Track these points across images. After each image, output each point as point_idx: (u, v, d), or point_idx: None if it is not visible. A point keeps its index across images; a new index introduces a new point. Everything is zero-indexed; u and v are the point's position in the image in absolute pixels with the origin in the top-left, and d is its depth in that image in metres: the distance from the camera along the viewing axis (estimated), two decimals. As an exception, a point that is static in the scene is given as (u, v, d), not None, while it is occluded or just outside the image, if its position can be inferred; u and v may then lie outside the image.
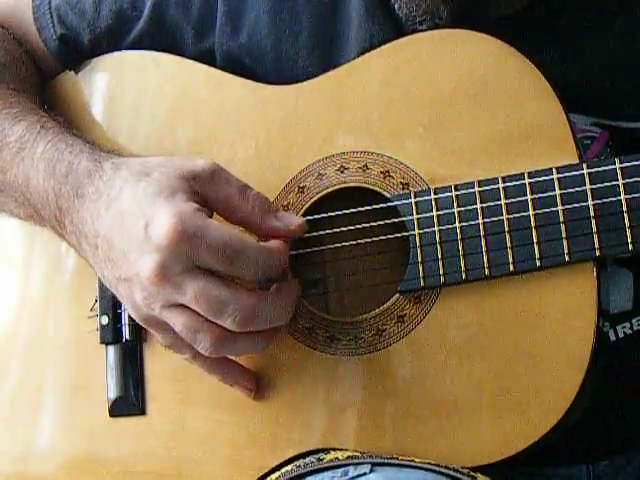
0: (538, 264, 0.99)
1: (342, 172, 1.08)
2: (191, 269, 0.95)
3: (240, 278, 0.97)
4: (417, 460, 0.98)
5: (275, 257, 0.99)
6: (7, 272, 1.24)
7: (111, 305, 1.14)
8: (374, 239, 1.07)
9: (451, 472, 0.95)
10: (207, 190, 1.00)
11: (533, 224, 1.00)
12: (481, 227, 1.01)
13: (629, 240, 0.98)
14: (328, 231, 1.08)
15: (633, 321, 1.13)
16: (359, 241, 1.08)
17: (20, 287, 1.23)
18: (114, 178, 1.01)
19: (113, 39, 1.23)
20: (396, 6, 1.09)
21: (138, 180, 0.99)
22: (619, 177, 0.98)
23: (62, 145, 1.07)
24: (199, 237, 0.94)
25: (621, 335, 1.12)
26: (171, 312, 0.98)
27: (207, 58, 1.19)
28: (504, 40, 1.05)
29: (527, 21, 1.10)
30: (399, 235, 1.05)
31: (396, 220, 1.04)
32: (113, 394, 1.14)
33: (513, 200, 1.01)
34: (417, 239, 1.03)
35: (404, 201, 1.04)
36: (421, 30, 1.08)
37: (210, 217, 0.98)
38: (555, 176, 1.00)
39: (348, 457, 1.00)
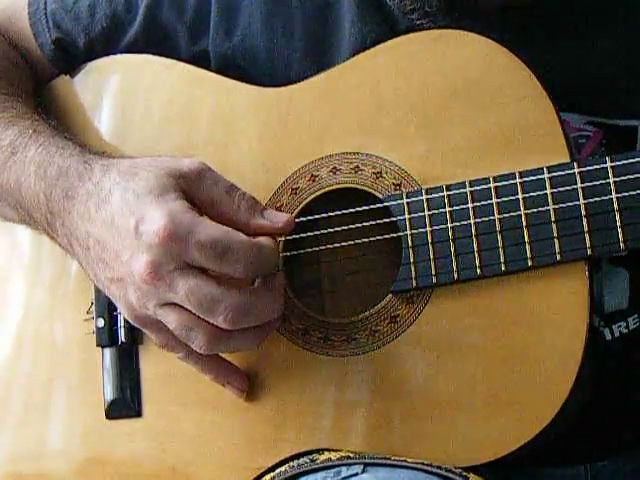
0: (530, 264, 0.99)
1: (335, 173, 1.08)
2: (183, 267, 0.95)
3: (231, 275, 0.97)
4: (409, 460, 0.98)
5: (265, 253, 0.99)
6: (16, 275, 1.25)
7: (107, 308, 1.15)
8: (367, 240, 1.07)
9: (443, 472, 0.95)
10: (194, 189, 1.00)
11: (524, 224, 1.00)
12: (473, 227, 1.01)
13: (621, 239, 0.97)
14: (322, 232, 1.08)
15: (629, 320, 1.12)
16: (353, 242, 1.08)
17: (27, 289, 1.23)
18: (104, 180, 1.01)
19: (108, 43, 1.23)
20: None
21: (127, 180, 1.00)
22: (610, 176, 0.98)
23: (53, 148, 1.08)
24: (190, 235, 0.94)
25: (617, 334, 1.12)
26: (165, 311, 0.98)
27: (201, 60, 1.20)
28: (498, 40, 1.05)
29: (519, 19, 1.10)
30: (391, 236, 1.05)
31: (388, 220, 1.05)
32: (109, 396, 1.15)
33: (504, 200, 1.01)
34: (409, 239, 1.03)
35: (396, 202, 1.04)
36: (411, 19, 1.08)
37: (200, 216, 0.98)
38: (546, 175, 1.00)
39: (341, 457, 1.00)
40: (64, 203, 1.04)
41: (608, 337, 1.12)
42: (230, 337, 0.99)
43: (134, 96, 1.21)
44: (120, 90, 1.22)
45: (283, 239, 1.09)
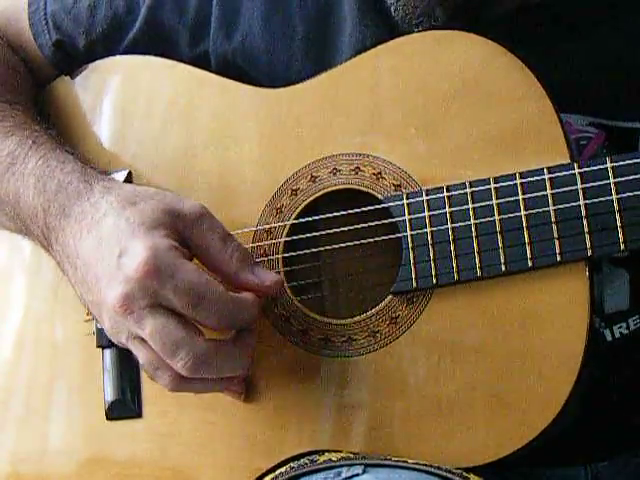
0: (530, 264, 0.99)
1: (335, 174, 1.08)
2: (155, 305, 0.95)
3: (202, 323, 0.97)
4: (410, 461, 0.98)
5: (242, 309, 0.98)
6: (17, 276, 1.25)
7: (106, 309, 1.15)
8: (368, 241, 1.07)
9: (443, 473, 0.95)
10: (189, 232, 0.99)
11: (525, 224, 0.99)
12: (473, 228, 1.01)
13: (621, 239, 0.97)
14: (322, 232, 1.08)
15: (629, 321, 1.12)
16: (353, 243, 1.08)
17: (28, 291, 1.24)
18: (101, 202, 1.01)
19: (108, 44, 1.23)
20: (392, 9, 1.09)
21: (123, 208, 0.99)
22: (610, 176, 0.98)
23: (53, 162, 1.08)
24: (168, 275, 0.94)
25: (617, 335, 1.12)
26: (134, 344, 0.99)
27: (202, 62, 1.20)
28: (498, 41, 1.05)
29: (523, 22, 1.10)
30: (392, 236, 1.05)
31: (388, 221, 1.04)
32: (110, 397, 1.15)
33: (505, 200, 1.00)
34: (409, 240, 1.03)
35: (396, 202, 1.04)
36: (415, 31, 1.09)
37: (189, 259, 0.98)
38: (547, 176, 1.00)
39: (341, 458, 1.00)
40: (60, 220, 1.04)
41: (609, 338, 1.12)
42: (191, 382, 0.99)
43: (135, 97, 1.21)
44: (121, 91, 1.22)
45: (283, 240, 1.09)
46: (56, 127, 1.21)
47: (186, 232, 0.99)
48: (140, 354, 0.99)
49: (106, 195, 1.02)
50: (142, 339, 0.97)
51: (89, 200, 1.02)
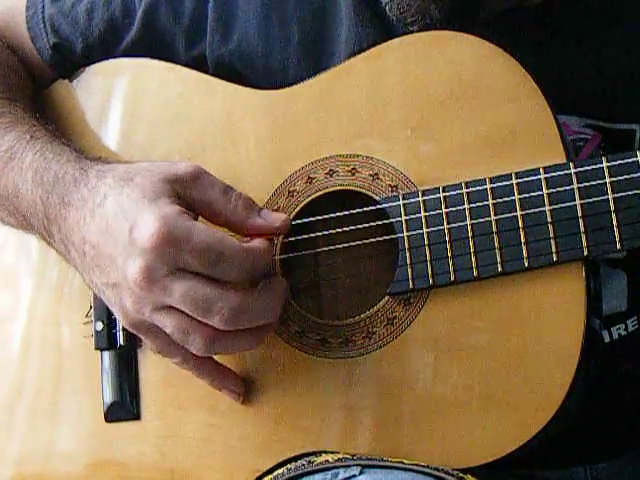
0: (526, 264, 0.99)
1: (331, 176, 1.08)
2: (177, 271, 0.95)
3: (225, 279, 0.97)
4: (406, 462, 0.98)
5: (258, 257, 0.99)
6: (22, 278, 1.25)
7: (105, 311, 1.15)
8: (365, 242, 1.07)
9: (440, 474, 0.95)
10: (190, 193, 1.00)
11: (521, 224, 0.99)
12: (469, 228, 1.01)
13: (617, 239, 0.97)
14: (319, 234, 1.08)
15: (628, 322, 1.12)
16: (350, 244, 1.08)
17: (33, 293, 1.24)
18: (99, 185, 1.02)
19: (106, 47, 1.24)
20: (387, 8, 1.09)
21: (122, 186, 1.00)
22: (606, 176, 0.98)
23: (50, 154, 1.08)
24: (183, 240, 0.94)
25: (615, 336, 1.12)
26: (161, 315, 0.98)
27: (199, 65, 1.20)
28: (495, 41, 1.05)
29: (519, 21, 1.10)
30: (388, 237, 1.05)
31: (385, 222, 1.05)
32: (109, 399, 1.15)
33: (501, 201, 1.00)
34: (405, 241, 1.03)
35: (392, 203, 1.04)
36: (411, 31, 1.09)
37: (195, 219, 0.99)
38: (542, 176, 1.00)
39: (338, 459, 1.00)
40: (60, 209, 1.04)
41: (607, 339, 1.12)
42: (227, 338, 0.99)
43: (134, 99, 1.21)
44: (120, 93, 1.22)
45: (281, 241, 1.09)
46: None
47: (187, 193, 1.00)
48: (168, 323, 0.98)
49: (102, 178, 1.02)
50: (169, 308, 0.97)
51: (86, 186, 1.03)
